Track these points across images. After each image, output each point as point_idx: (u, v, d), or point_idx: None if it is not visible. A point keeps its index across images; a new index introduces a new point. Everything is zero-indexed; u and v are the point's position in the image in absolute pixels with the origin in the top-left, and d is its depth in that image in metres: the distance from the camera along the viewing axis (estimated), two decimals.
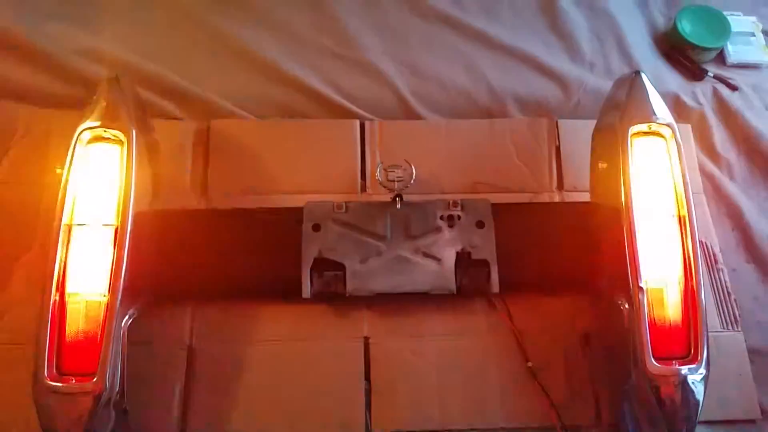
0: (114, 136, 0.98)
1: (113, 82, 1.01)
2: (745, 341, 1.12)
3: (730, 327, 1.13)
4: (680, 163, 1.00)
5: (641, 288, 0.93)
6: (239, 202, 1.16)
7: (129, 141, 0.97)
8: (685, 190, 0.99)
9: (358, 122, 1.25)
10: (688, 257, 0.96)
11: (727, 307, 1.14)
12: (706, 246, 1.19)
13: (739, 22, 1.48)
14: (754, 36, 1.47)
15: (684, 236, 0.97)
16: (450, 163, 1.23)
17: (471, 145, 1.25)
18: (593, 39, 1.43)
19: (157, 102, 1.23)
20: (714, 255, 1.19)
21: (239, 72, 1.31)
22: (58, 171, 0.95)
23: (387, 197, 1.11)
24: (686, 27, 1.42)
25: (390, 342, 1.08)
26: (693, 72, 1.41)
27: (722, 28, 1.43)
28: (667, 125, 1.02)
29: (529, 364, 1.06)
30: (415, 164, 1.10)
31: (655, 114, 1.02)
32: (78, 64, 1.23)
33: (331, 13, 1.39)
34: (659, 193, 1.01)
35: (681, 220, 0.99)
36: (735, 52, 1.44)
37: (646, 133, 1.03)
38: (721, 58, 1.45)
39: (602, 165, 1.08)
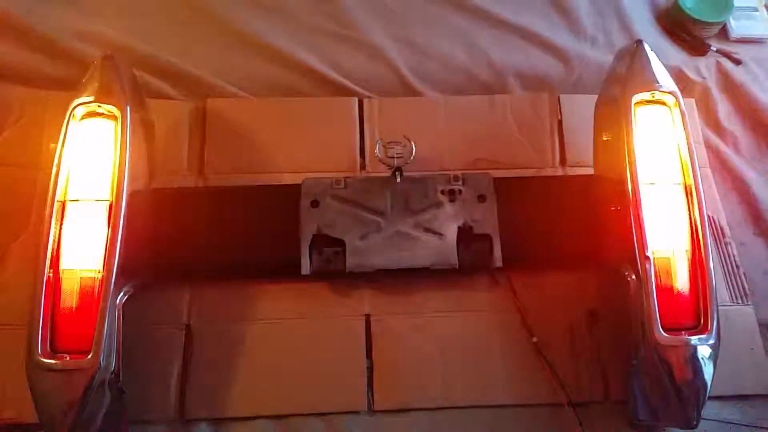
0: (108, 111, 0.97)
1: (108, 60, 1.00)
2: (756, 315, 1.09)
3: (739, 301, 1.11)
4: (685, 131, 0.99)
5: (648, 257, 0.91)
6: (236, 181, 1.14)
7: (123, 116, 0.96)
8: (691, 159, 0.98)
9: (356, 100, 1.24)
10: (695, 226, 0.95)
11: (736, 280, 1.12)
12: (714, 220, 1.17)
13: None
14: (757, 10, 1.45)
15: (690, 205, 0.96)
16: (450, 140, 1.21)
17: (471, 121, 1.23)
18: (594, 14, 1.41)
19: (153, 82, 1.22)
20: (721, 229, 1.17)
21: (236, 52, 1.29)
22: (52, 146, 0.93)
23: (386, 174, 1.09)
24: (687, 2, 1.40)
25: (391, 319, 1.06)
26: (696, 47, 1.39)
27: (724, 3, 1.41)
28: (671, 93, 1.01)
29: (535, 339, 1.04)
30: (415, 141, 1.09)
31: (657, 82, 1.01)
32: (74, 46, 1.22)
33: None
34: (664, 162, 0.99)
35: (687, 189, 0.97)
36: (738, 26, 1.42)
37: (649, 102, 1.02)
38: (724, 33, 1.43)
39: (605, 137, 1.06)
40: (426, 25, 1.36)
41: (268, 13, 1.34)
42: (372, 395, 1.01)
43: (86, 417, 0.85)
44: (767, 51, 1.42)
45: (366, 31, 1.33)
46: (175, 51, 1.25)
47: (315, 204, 1.05)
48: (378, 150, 1.09)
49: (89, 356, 0.84)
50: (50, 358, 0.84)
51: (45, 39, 1.22)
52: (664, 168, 0.99)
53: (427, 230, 1.04)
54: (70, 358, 0.85)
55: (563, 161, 1.22)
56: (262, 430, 0.99)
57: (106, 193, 0.93)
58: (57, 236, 0.90)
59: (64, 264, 0.90)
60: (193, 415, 0.99)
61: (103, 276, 0.88)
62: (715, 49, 1.39)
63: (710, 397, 0.90)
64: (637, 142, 0.97)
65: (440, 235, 1.04)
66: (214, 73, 1.24)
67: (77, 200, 0.93)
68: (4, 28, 1.21)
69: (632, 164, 0.95)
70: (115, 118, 0.96)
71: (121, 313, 0.91)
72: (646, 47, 1.04)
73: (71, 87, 1.00)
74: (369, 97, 1.25)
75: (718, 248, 1.15)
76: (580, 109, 1.23)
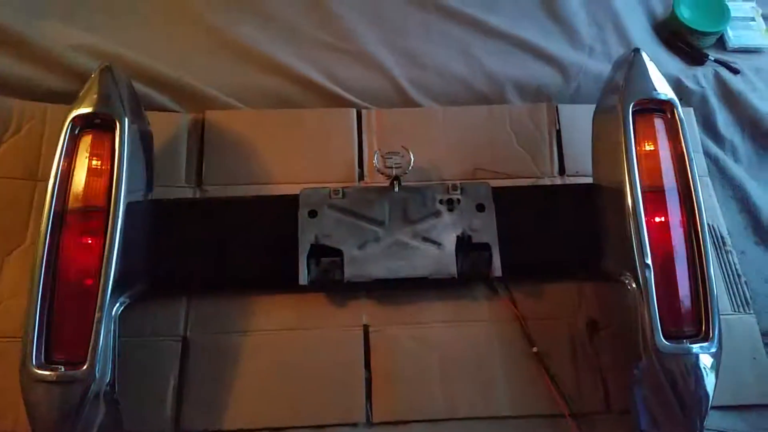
0: (106, 122, 0.96)
1: (106, 71, 1.00)
2: (758, 324, 1.08)
3: (741, 309, 1.10)
4: (683, 138, 0.99)
5: (647, 264, 0.91)
6: (234, 192, 1.14)
7: (121, 126, 0.96)
8: (689, 165, 0.97)
9: (354, 111, 1.24)
10: (695, 233, 0.94)
11: (737, 289, 1.11)
12: (714, 228, 1.16)
13: (739, 7, 1.47)
14: (754, 21, 1.46)
15: (689, 211, 0.95)
16: (449, 151, 1.21)
17: (470, 132, 1.23)
18: (592, 25, 1.42)
19: (153, 95, 1.22)
20: (722, 237, 1.16)
21: (234, 64, 1.29)
22: None
23: (385, 184, 1.09)
24: (685, 12, 1.41)
25: (390, 330, 1.05)
26: (693, 57, 1.40)
27: (721, 13, 1.41)
28: (669, 100, 1.00)
29: (535, 349, 1.03)
30: (413, 152, 1.09)
31: (655, 89, 1.01)
32: (72, 59, 1.22)
33: (327, 4, 1.38)
34: (662, 169, 0.98)
35: (686, 196, 0.96)
36: (735, 36, 1.43)
37: (647, 109, 1.01)
38: (721, 43, 1.44)
39: (604, 145, 1.06)
40: (424, 36, 1.36)
41: (266, 25, 1.34)
42: (370, 407, 1.00)
43: (80, 429, 0.84)
44: (765, 60, 1.42)
45: (364, 42, 1.34)
46: (173, 63, 1.26)
47: (313, 214, 1.05)
48: (376, 160, 1.09)
49: (84, 367, 0.83)
50: (45, 369, 0.83)
51: (43, 52, 1.22)
52: (663, 175, 0.98)
53: (426, 240, 1.04)
54: (65, 369, 0.84)
55: (562, 171, 1.21)
56: None
57: (103, 204, 0.93)
58: (54, 246, 0.89)
59: (60, 274, 0.89)
60: (190, 427, 0.98)
61: (99, 286, 0.87)
62: (712, 58, 1.39)
63: (713, 407, 0.89)
64: (636, 149, 0.97)
65: (439, 244, 1.04)
66: (213, 85, 1.25)
67: (74, 210, 0.93)
68: (4, 41, 1.22)
69: (630, 170, 0.95)
70: (112, 128, 0.96)
71: (117, 323, 0.90)
72: (644, 55, 1.04)
73: (69, 100, 1.00)
74: (367, 108, 1.26)
75: (718, 257, 1.14)
76: (578, 119, 1.23)
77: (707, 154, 1.27)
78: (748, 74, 1.38)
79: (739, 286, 1.11)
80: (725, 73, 1.37)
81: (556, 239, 1.07)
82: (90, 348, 0.84)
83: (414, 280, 1.03)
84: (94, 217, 0.93)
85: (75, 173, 0.95)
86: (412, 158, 1.08)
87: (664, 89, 1.01)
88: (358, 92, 1.27)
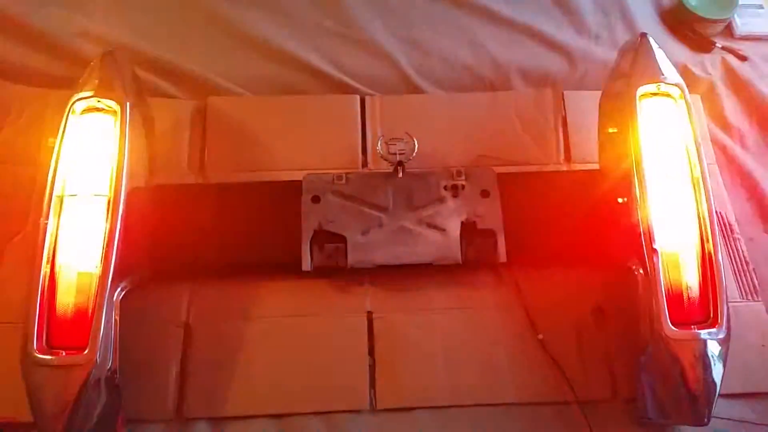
0: (108, 106, 0.96)
1: (108, 56, 1.00)
2: (767, 311, 1.07)
3: (749, 297, 1.08)
4: (691, 122, 0.98)
5: (655, 250, 0.90)
6: (237, 179, 1.13)
7: (123, 111, 0.95)
8: (697, 151, 0.96)
9: (358, 97, 1.23)
10: (703, 219, 0.93)
11: (745, 276, 1.10)
12: (722, 216, 1.15)
13: None
14: (762, 8, 1.45)
15: (698, 197, 0.94)
16: (453, 137, 1.20)
17: (474, 118, 1.22)
18: (598, 12, 1.40)
19: (155, 81, 1.22)
20: (730, 225, 1.15)
21: (237, 50, 1.29)
22: (51, 141, 0.93)
23: (389, 171, 1.08)
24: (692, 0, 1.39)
25: (394, 316, 1.04)
26: (700, 44, 1.38)
27: (728, 0, 1.40)
28: (676, 85, 0.99)
29: (540, 336, 1.02)
30: (417, 139, 1.07)
31: (662, 74, 1.00)
32: (75, 45, 1.22)
33: None
34: (670, 154, 0.98)
35: (694, 182, 0.96)
36: (743, 24, 1.42)
37: (654, 94, 1.01)
38: (728, 30, 1.42)
39: (611, 130, 1.05)
40: (428, 22, 1.35)
41: (270, 11, 1.34)
42: (374, 394, 0.99)
43: (81, 415, 0.83)
44: None
45: (368, 29, 1.33)
46: (176, 50, 1.25)
47: (316, 200, 1.04)
48: (380, 147, 1.08)
49: (85, 352, 0.82)
50: (46, 354, 0.83)
51: (46, 38, 1.22)
52: (671, 160, 0.97)
53: (430, 226, 1.03)
54: (66, 354, 0.83)
55: (568, 158, 1.20)
56: (261, 430, 0.96)
57: (105, 189, 0.92)
58: (54, 231, 0.89)
59: (61, 259, 0.89)
60: (192, 414, 0.97)
61: (100, 271, 0.87)
62: (720, 46, 1.38)
63: (721, 395, 0.87)
64: (643, 134, 0.96)
65: (443, 230, 1.03)
66: (215, 72, 1.24)
67: (75, 195, 0.92)
68: (5, 27, 1.22)
69: (638, 156, 0.94)
70: (114, 113, 0.96)
71: (118, 309, 0.89)
72: (651, 40, 1.03)
73: (72, 86, 0.99)
74: (371, 94, 1.25)
75: (726, 244, 1.13)
76: (584, 105, 1.21)
77: (715, 141, 1.26)
78: (755, 61, 1.37)
79: (748, 273, 1.10)
80: (733, 61, 1.36)
81: (562, 225, 1.05)
82: (91, 333, 0.83)
83: (418, 267, 1.02)
84: (96, 201, 0.92)
85: (76, 157, 0.94)
86: (416, 145, 1.07)
87: (671, 74, 1.00)
88: (362, 78, 1.27)
